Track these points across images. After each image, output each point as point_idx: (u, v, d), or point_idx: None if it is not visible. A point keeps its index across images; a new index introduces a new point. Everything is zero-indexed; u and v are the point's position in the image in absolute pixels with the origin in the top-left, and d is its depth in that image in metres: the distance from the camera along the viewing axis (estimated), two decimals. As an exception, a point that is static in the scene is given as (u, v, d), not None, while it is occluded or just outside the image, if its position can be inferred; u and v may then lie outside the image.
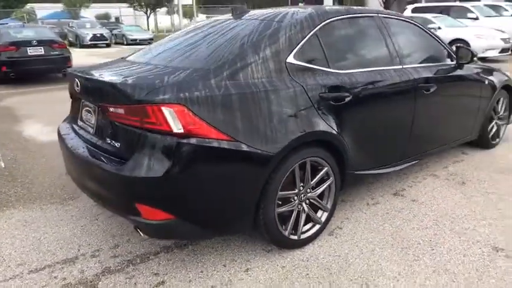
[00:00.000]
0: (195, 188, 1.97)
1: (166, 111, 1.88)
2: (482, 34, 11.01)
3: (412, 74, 2.95)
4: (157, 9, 35.17)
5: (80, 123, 2.52)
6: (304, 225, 2.43)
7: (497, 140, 4.21)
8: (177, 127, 1.89)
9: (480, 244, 2.46)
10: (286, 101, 2.20)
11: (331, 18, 2.61)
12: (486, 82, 3.74)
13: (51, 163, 3.99)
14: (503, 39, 11.12)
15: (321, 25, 2.53)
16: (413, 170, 3.59)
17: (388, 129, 2.86)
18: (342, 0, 31.47)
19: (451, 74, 3.35)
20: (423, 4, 16.86)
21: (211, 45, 2.38)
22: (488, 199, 3.06)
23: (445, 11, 13.52)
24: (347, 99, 2.48)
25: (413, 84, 2.93)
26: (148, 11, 33.98)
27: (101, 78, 2.21)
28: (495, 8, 14.22)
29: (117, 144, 2.07)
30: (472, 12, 13.09)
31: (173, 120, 1.89)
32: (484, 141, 4.04)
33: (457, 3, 14.85)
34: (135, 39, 25.94)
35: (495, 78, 3.85)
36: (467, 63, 3.41)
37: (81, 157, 2.25)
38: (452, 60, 3.44)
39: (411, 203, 3.02)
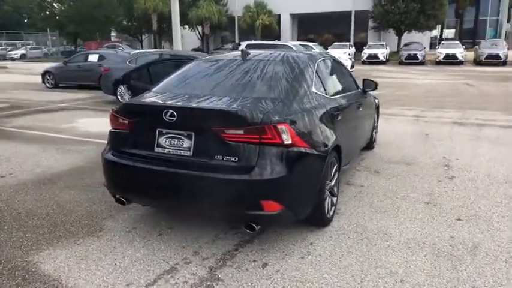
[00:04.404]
0: (296, 183, 2.74)
1: (281, 128, 2.62)
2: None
3: (353, 97, 4.32)
4: None
5: (158, 149, 2.85)
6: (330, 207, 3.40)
7: (374, 143, 6.03)
8: (287, 140, 2.65)
9: (417, 202, 3.92)
10: (322, 119, 3.18)
11: (317, 59, 3.73)
12: (374, 104, 5.49)
13: (33, 205, 3.76)
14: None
15: (316, 65, 3.60)
16: (343, 169, 4.95)
17: (352, 134, 4.13)
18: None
19: (363, 97, 4.89)
20: (255, 42, 19.79)
21: (261, 80, 3.15)
22: (399, 178, 4.63)
23: (272, 47, 16.32)
24: (339, 116, 3.60)
25: (355, 102, 4.31)
26: None
27: (210, 108, 2.72)
28: (305, 46, 18.08)
29: (234, 159, 2.62)
30: (292, 49, 16.29)
31: (285, 135, 2.63)
32: (369, 144, 5.77)
33: (281, 42, 18.12)
34: None
35: (376, 101, 5.66)
36: (371, 90, 5.01)
37: (182, 175, 2.67)
38: (358, 89, 4.99)
39: (361, 187, 4.34)
